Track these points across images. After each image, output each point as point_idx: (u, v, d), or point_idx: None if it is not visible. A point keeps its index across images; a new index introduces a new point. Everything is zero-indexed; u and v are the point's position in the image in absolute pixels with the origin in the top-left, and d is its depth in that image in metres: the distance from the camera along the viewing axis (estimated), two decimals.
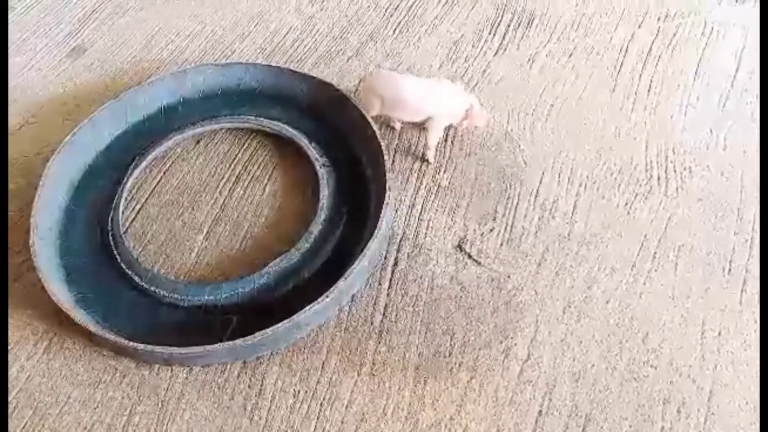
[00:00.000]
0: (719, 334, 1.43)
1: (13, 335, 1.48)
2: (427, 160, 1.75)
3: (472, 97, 1.70)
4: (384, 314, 1.49)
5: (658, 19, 2.15)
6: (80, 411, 1.37)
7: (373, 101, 1.69)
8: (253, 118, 1.85)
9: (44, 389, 1.40)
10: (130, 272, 1.54)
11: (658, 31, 2.11)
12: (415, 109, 1.67)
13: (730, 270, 1.53)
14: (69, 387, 1.40)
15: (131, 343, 1.35)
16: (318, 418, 1.34)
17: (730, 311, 1.46)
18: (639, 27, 2.13)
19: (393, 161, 1.77)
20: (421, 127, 1.74)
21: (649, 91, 1.93)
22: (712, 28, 2.11)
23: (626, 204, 1.66)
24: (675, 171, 1.72)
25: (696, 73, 1.98)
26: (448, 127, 1.77)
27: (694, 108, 1.88)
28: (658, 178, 1.71)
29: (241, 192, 1.75)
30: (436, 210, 1.67)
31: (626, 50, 2.05)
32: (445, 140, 1.81)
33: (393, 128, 1.83)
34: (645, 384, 1.36)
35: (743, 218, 1.62)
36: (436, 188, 1.71)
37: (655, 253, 1.56)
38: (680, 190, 1.68)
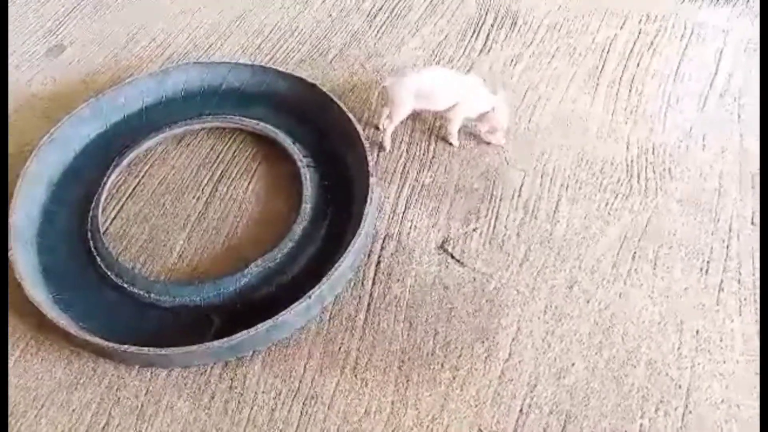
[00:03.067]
0: (697, 332, 1.45)
1: None
2: (451, 143, 1.79)
3: (498, 100, 1.70)
4: (367, 314, 1.49)
5: (639, 20, 2.18)
6: (58, 413, 1.35)
7: (406, 98, 1.68)
8: (235, 117, 1.84)
9: (20, 391, 1.38)
10: (110, 272, 1.53)
11: (640, 32, 2.14)
12: (446, 96, 1.69)
13: (707, 270, 1.55)
14: (47, 389, 1.38)
15: (110, 344, 1.34)
16: (300, 418, 1.34)
17: (707, 310, 1.48)
18: (621, 28, 2.15)
19: (377, 161, 1.77)
20: (442, 115, 1.77)
21: (630, 92, 1.95)
22: (692, 30, 2.14)
23: (607, 204, 1.67)
24: (655, 171, 1.74)
25: (676, 75, 2.00)
26: (437, 123, 1.78)
27: (674, 109, 1.90)
28: (639, 179, 1.73)
29: (224, 191, 1.74)
30: (420, 210, 1.67)
31: (608, 51, 2.07)
32: (429, 139, 1.81)
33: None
34: (625, 382, 1.38)
35: (720, 218, 1.64)
36: (419, 188, 1.72)
37: (635, 252, 1.58)
38: (660, 191, 1.70)
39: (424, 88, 1.68)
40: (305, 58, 2.09)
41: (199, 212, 1.69)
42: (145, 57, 2.11)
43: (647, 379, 1.38)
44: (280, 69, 1.89)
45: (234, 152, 1.83)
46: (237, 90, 1.93)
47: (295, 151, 1.74)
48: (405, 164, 1.77)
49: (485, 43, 2.11)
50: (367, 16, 2.23)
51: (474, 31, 2.15)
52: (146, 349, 1.33)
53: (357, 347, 1.44)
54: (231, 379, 1.39)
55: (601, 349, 1.42)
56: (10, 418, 1.34)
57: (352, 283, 1.53)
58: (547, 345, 1.43)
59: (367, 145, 1.64)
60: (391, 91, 1.69)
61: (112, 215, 1.69)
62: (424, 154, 1.79)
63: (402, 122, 1.77)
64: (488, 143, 1.79)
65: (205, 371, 1.40)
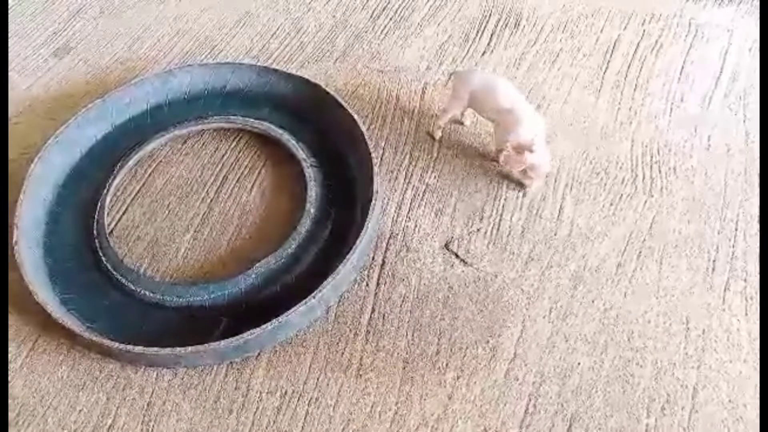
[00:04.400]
0: (703, 332, 1.44)
1: None
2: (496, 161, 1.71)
3: (542, 141, 1.57)
4: (371, 314, 1.49)
5: (644, 20, 2.17)
6: (64, 414, 1.35)
7: (462, 95, 1.69)
8: (240, 118, 1.84)
9: (27, 392, 1.38)
10: (115, 273, 1.53)
11: (644, 32, 2.13)
12: (500, 103, 1.63)
13: (713, 269, 1.54)
14: (53, 389, 1.39)
15: (116, 345, 1.34)
16: (305, 418, 1.34)
17: (713, 309, 1.48)
18: (625, 28, 2.15)
19: (380, 161, 1.77)
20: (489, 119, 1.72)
21: (634, 91, 1.95)
22: (697, 30, 2.13)
23: (611, 203, 1.67)
24: (660, 171, 1.74)
25: (680, 74, 2.00)
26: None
27: (679, 108, 1.90)
28: (643, 178, 1.72)
29: (228, 192, 1.74)
30: (424, 210, 1.67)
31: (612, 51, 2.07)
32: (433, 140, 1.81)
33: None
34: (630, 382, 1.37)
35: (726, 217, 1.64)
36: (423, 188, 1.72)
37: (640, 251, 1.57)
38: (664, 190, 1.69)
39: (480, 89, 1.66)
40: (309, 59, 2.09)
41: (204, 213, 1.70)
42: (150, 58, 2.12)
43: (653, 379, 1.37)
44: (284, 70, 1.89)
45: (238, 153, 1.83)
46: (241, 91, 1.94)
47: (299, 151, 1.74)
48: (409, 164, 1.77)
49: (489, 43, 2.11)
50: (371, 17, 2.23)
51: (477, 32, 2.15)
52: (152, 349, 1.33)
53: (361, 347, 1.44)
54: (236, 380, 1.39)
55: (606, 349, 1.42)
56: (17, 418, 1.34)
57: (357, 284, 1.53)
58: (552, 345, 1.43)
59: (371, 145, 1.64)
60: (453, 83, 1.72)
61: (118, 216, 1.70)
62: (428, 155, 1.79)
63: (450, 120, 1.79)
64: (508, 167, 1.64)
65: (211, 371, 1.41)
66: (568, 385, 1.37)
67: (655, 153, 1.78)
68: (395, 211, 1.67)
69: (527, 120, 1.58)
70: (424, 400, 1.36)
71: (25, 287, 1.43)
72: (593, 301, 1.49)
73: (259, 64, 1.96)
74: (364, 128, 1.68)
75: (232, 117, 1.85)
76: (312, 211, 1.63)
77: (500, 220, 1.64)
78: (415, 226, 1.64)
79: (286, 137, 1.77)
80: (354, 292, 1.52)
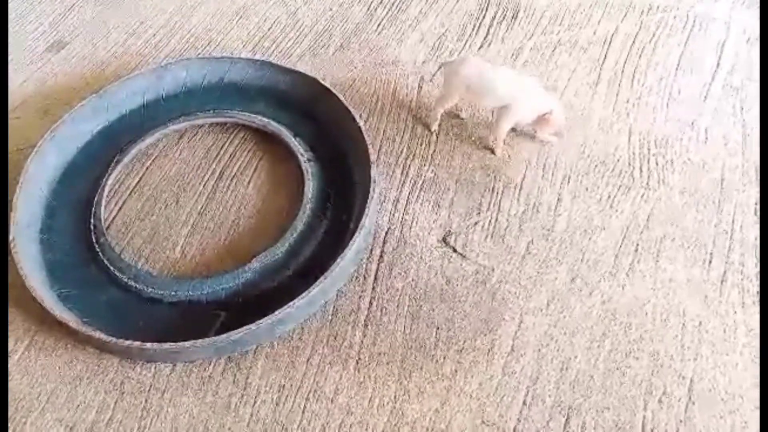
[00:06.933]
0: (700, 324, 1.44)
1: None
2: (492, 151, 1.74)
3: (554, 102, 1.66)
4: (369, 308, 1.49)
5: (641, 12, 2.17)
6: (62, 409, 1.35)
7: (457, 86, 1.67)
8: (236, 112, 1.84)
9: (25, 387, 1.38)
10: (112, 268, 1.53)
11: (641, 24, 2.13)
12: (500, 94, 1.64)
13: (710, 261, 1.55)
14: (50, 385, 1.39)
15: (114, 340, 1.34)
16: (303, 412, 1.34)
17: (710, 302, 1.48)
18: (622, 20, 2.14)
19: (378, 155, 1.77)
20: (491, 120, 1.73)
21: (632, 83, 1.94)
22: (695, 22, 2.13)
23: (609, 196, 1.67)
24: (657, 163, 1.74)
25: (678, 66, 1.99)
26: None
27: (676, 101, 1.90)
28: (641, 170, 1.72)
29: (225, 187, 1.74)
30: (421, 203, 1.67)
31: (610, 43, 2.06)
32: (431, 133, 1.81)
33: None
34: (627, 375, 1.38)
35: (723, 210, 1.64)
36: (421, 182, 1.72)
37: (637, 244, 1.57)
38: (662, 182, 1.69)
39: (476, 81, 1.64)
40: (306, 53, 2.09)
41: (201, 207, 1.69)
42: (146, 53, 2.11)
43: (650, 371, 1.38)
44: (281, 64, 1.89)
45: (235, 147, 1.83)
46: (238, 85, 1.93)
47: (297, 146, 1.74)
48: (407, 158, 1.77)
49: (486, 36, 2.11)
50: (368, 9, 2.22)
51: (475, 25, 2.15)
52: (149, 344, 1.33)
53: (359, 341, 1.44)
54: (234, 374, 1.40)
55: (603, 342, 1.42)
56: (15, 414, 1.35)
57: (354, 278, 1.53)
58: (550, 338, 1.43)
59: (368, 139, 1.64)
60: (445, 75, 1.71)
61: (115, 211, 1.70)
62: (426, 148, 1.78)
63: (445, 111, 1.78)
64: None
65: (209, 366, 1.41)
66: (566, 377, 1.37)
67: (652, 145, 1.78)
68: (393, 205, 1.67)
69: (529, 94, 1.63)
70: (422, 393, 1.36)
71: (22, 283, 1.42)
72: (590, 294, 1.50)
73: (256, 58, 1.95)
74: (361, 122, 1.68)
75: (228, 111, 1.84)
76: (309, 205, 1.63)
77: (498, 213, 1.64)
78: (413, 219, 1.64)
79: (283, 132, 1.77)
80: (352, 286, 1.52)
